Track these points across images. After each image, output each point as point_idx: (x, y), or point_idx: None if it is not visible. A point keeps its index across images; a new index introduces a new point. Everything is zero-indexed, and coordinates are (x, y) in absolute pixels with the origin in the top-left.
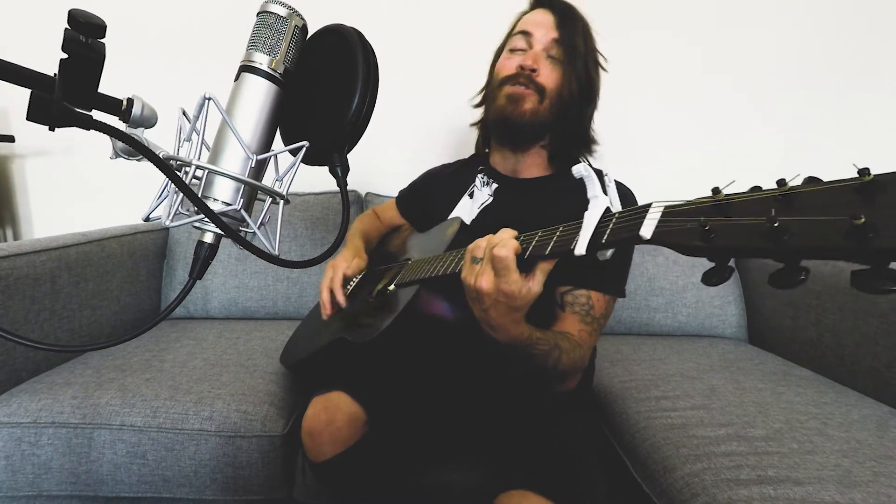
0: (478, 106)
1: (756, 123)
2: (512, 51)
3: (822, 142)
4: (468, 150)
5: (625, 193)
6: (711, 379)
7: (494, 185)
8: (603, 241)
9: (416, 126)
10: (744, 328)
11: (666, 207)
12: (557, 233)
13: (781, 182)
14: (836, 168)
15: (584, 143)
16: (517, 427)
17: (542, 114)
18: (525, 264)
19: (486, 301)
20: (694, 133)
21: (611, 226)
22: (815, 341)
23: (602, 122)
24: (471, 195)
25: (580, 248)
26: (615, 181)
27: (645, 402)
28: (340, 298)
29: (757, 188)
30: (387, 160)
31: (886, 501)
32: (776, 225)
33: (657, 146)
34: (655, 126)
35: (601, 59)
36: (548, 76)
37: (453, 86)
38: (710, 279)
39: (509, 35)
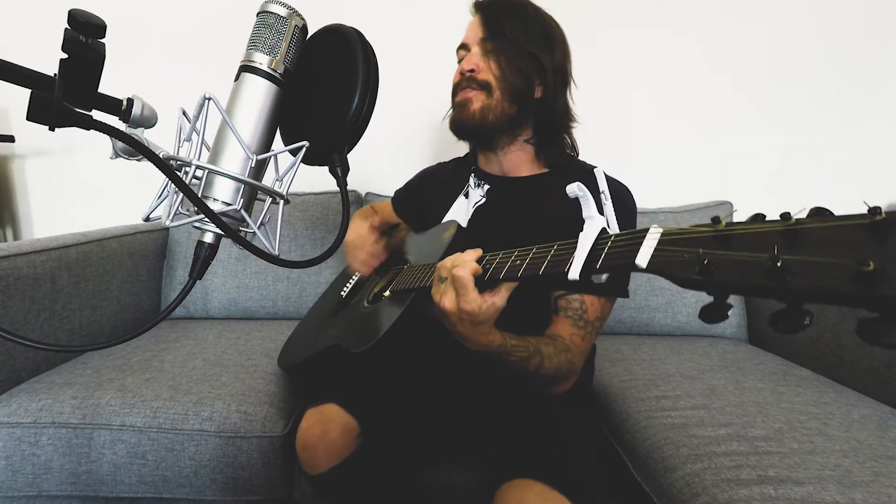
0: None
1: (756, 124)
2: (458, 63)
3: (823, 142)
4: (467, 152)
5: (620, 195)
6: (711, 379)
7: (486, 186)
8: (597, 267)
9: (417, 126)
10: (744, 328)
11: (663, 234)
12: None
13: (786, 216)
14: (838, 169)
15: (558, 126)
16: (516, 428)
17: (496, 108)
18: (488, 282)
19: (451, 318)
20: (694, 133)
21: (605, 250)
22: (815, 341)
23: (602, 122)
24: (466, 195)
25: (574, 272)
26: (607, 176)
27: (645, 401)
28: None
29: (760, 216)
30: (387, 160)
31: (887, 501)
32: (779, 264)
33: (656, 146)
34: (655, 125)
35: (549, 33)
36: (488, 70)
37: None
38: (708, 316)
39: None
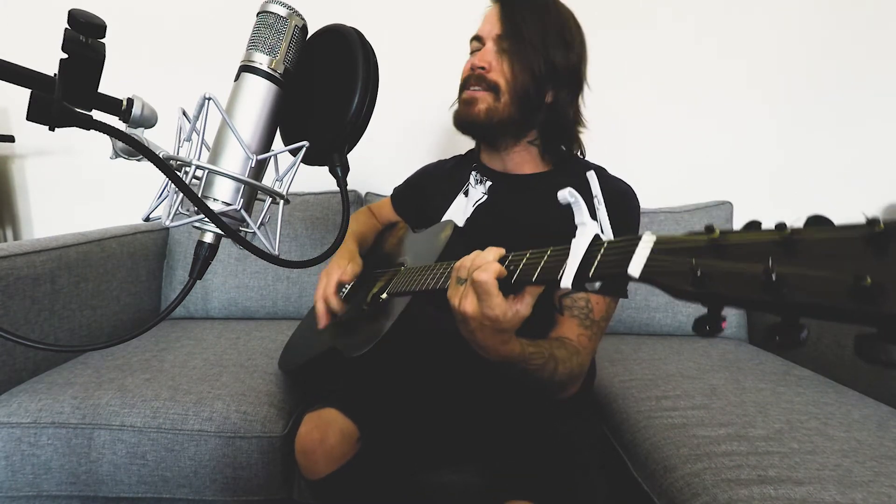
0: None
1: (758, 123)
2: (471, 54)
3: (824, 141)
4: (468, 150)
5: (623, 193)
6: (711, 379)
7: (489, 183)
8: (590, 275)
9: (417, 126)
10: (744, 328)
11: (656, 242)
12: (545, 257)
13: (781, 225)
14: (839, 169)
15: (566, 131)
16: (515, 439)
17: (502, 112)
18: (512, 287)
19: (471, 323)
20: (694, 132)
21: (598, 258)
22: (815, 341)
23: (602, 121)
24: (465, 193)
25: (566, 281)
26: (610, 176)
27: (645, 401)
28: (335, 306)
29: (756, 224)
30: (387, 160)
31: (887, 501)
32: (773, 277)
33: (656, 145)
34: (655, 125)
35: (568, 35)
36: (499, 71)
37: (454, 85)
38: (702, 328)
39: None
